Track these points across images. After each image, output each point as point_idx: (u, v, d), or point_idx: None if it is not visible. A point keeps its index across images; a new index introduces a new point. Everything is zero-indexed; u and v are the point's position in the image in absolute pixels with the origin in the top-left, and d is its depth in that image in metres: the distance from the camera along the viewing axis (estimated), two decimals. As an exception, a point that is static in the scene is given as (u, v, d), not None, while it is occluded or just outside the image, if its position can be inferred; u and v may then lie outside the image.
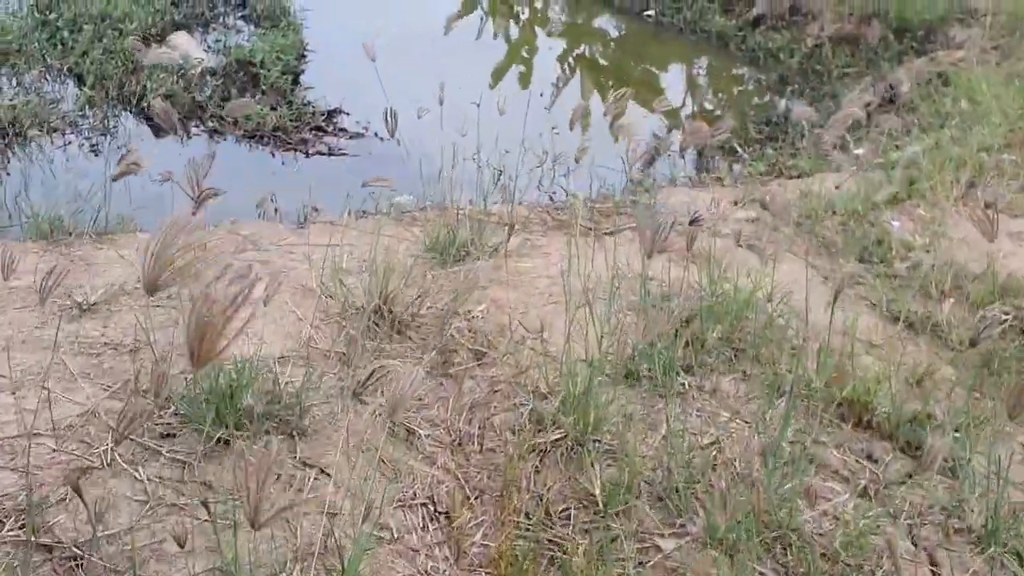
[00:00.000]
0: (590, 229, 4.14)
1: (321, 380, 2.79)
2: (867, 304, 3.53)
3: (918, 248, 3.78)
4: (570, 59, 8.03)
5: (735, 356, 3.07)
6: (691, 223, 2.37)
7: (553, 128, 5.75)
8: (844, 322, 3.33)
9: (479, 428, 2.78)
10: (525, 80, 7.51)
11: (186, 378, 2.71)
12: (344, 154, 5.48)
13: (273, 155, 5.47)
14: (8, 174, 5.06)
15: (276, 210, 4.53)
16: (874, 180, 4.40)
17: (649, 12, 7.68)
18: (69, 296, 3.27)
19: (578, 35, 8.48)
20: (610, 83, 7.73)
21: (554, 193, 5.43)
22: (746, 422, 2.80)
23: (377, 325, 3.16)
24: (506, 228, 3.98)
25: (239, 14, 7.04)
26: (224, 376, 2.62)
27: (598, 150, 5.92)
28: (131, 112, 5.69)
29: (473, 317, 3.28)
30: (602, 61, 8.07)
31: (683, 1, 7.55)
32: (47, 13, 6.37)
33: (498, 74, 7.48)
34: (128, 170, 2.07)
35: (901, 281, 3.67)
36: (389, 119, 2.76)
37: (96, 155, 5.35)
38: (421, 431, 2.75)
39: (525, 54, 8.16)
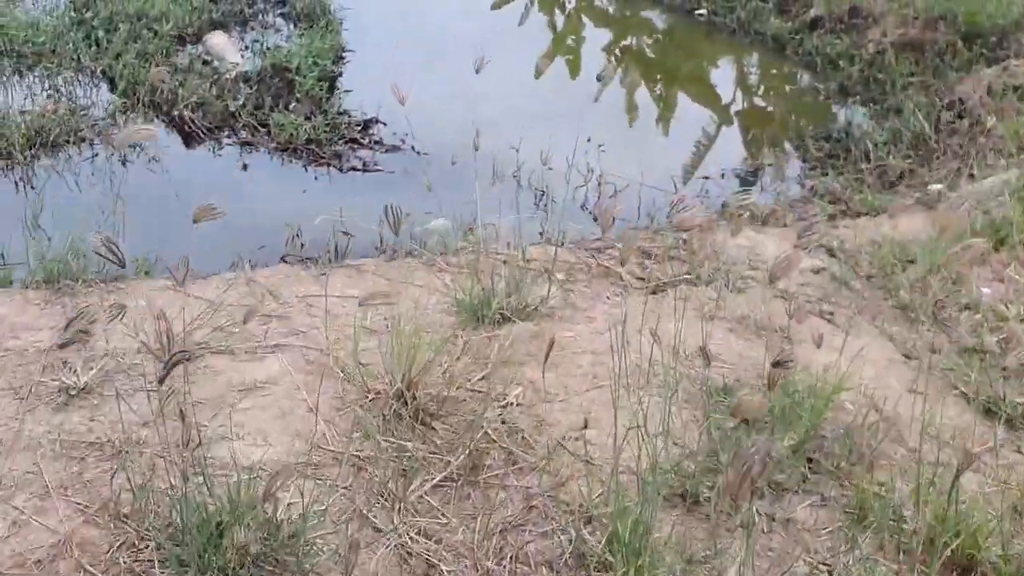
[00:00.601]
0: (640, 279, 3.55)
1: (329, 501, 2.27)
2: (955, 392, 2.91)
3: (1012, 319, 3.14)
4: (616, 51, 7.35)
5: (809, 472, 2.49)
6: (775, 365, 1.80)
7: (600, 146, 5.15)
8: (932, 416, 2.73)
9: (511, 562, 2.24)
10: (574, 68, 6.83)
11: (170, 495, 2.20)
12: (379, 170, 4.90)
13: (306, 169, 4.92)
14: (32, 187, 4.59)
15: (302, 245, 4.00)
16: (954, 224, 3.74)
17: (700, 11, 6.93)
18: (63, 366, 2.78)
19: (624, 28, 7.76)
20: (657, 77, 7.04)
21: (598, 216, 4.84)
22: (826, 566, 2.23)
23: (399, 415, 2.62)
24: (546, 279, 3.41)
25: (278, 12, 6.43)
26: (215, 503, 2.11)
27: (643, 158, 5.31)
28: (162, 120, 5.15)
29: (507, 404, 2.72)
30: (650, 54, 7.36)
31: (736, 0, 6.77)
32: (83, 11, 5.83)
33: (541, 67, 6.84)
34: (74, 338, 1.58)
35: (992, 359, 3.04)
36: (391, 216, 2.19)
37: (124, 166, 4.85)
38: (443, 566, 2.22)
39: (571, 42, 7.48)
